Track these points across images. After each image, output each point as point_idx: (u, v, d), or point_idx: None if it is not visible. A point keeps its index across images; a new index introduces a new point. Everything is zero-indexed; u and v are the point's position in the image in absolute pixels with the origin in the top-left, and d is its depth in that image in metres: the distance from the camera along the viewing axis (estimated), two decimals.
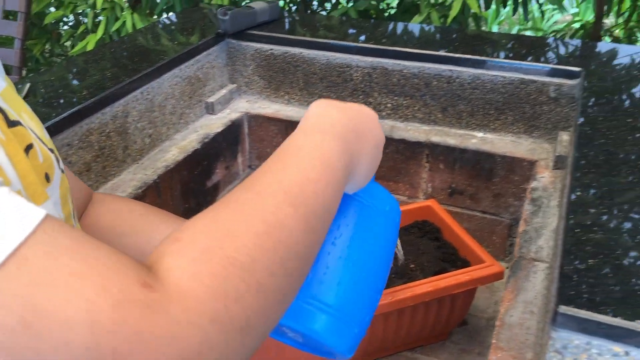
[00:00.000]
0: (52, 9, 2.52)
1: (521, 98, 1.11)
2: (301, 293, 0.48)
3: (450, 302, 0.94)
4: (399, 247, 0.92)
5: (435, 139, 1.16)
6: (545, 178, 1.01)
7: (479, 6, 1.57)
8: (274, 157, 0.42)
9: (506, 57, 1.12)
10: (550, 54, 1.15)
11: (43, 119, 0.79)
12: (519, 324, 0.71)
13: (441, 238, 1.05)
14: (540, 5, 1.83)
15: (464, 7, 1.58)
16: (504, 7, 1.75)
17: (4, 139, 0.37)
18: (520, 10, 1.78)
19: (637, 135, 0.82)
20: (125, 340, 0.27)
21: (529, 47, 1.19)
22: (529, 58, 1.11)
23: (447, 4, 1.65)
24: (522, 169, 1.10)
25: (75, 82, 1.07)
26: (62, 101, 0.98)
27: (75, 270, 0.27)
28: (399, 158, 1.20)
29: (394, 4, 2.05)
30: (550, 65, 1.08)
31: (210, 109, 1.26)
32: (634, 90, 0.98)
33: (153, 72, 1.10)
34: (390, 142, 1.19)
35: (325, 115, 0.47)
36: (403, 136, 1.18)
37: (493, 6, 1.74)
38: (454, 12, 1.51)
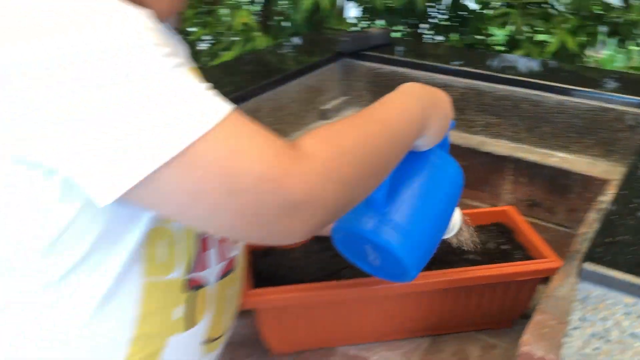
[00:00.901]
0: (194, 29, 2.90)
1: (601, 124, 1.23)
2: (388, 221, 0.67)
3: (513, 290, 1.08)
4: (466, 223, 1.06)
5: (520, 154, 1.31)
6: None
7: (576, 44, 1.69)
8: (375, 104, 0.63)
9: (590, 87, 1.25)
10: (633, 87, 1.26)
11: None
12: (564, 297, 0.84)
13: (513, 239, 1.19)
14: None
15: (563, 47, 1.70)
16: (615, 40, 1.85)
17: None
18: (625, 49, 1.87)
19: None
20: (281, 175, 0.46)
21: (613, 80, 1.31)
22: (611, 89, 1.24)
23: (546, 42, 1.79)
24: (596, 187, 1.21)
25: (218, 82, 1.33)
26: None
27: (253, 143, 0.47)
28: (485, 170, 1.35)
29: (500, 40, 2.20)
30: (630, 97, 1.20)
31: (324, 115, 1.48)
32: None
33: (282, 78, 1.34)
34: (478, 154, 1.34)
35: (411, 87, 0.67)
36: (491, 150, 1.33)
37: (607, 50, 1.84)
38: (551, 48, 1.64)
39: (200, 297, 0.66)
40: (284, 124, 1.39)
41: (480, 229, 1.22)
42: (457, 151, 1.33)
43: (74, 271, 0.55)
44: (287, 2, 2.51)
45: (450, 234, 0.97)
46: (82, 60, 0.44)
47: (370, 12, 2.31)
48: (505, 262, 1.08)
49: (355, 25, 2.40)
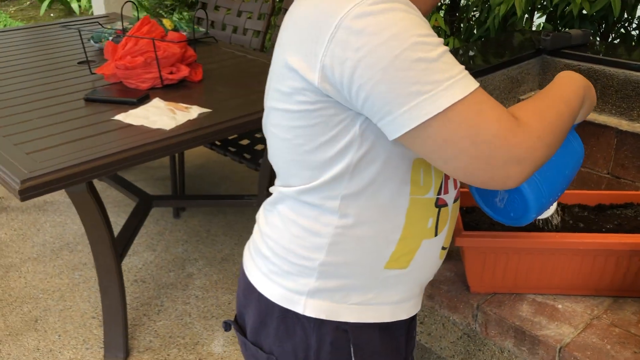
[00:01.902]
0: None
1: None
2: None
3: None
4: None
5: None
6: None
7: None
8: (555, 86, 0.82)
9: None
10: None
11: None
12: None
13: None
14: None
15: None
16: None
17: None
18: None
19: None
20: (511, 136, 0.67)
21: None
22: None
23: None
24: None
25: None
26: None
27: (493, 110, 0.68)
28: None
29: None
30: None
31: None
32: None
33: (490, 68, 1.56)
34: None
35: (572, 75, 0.86)
36: None
37: None
38: None
39: (444, 213, 0.89)
40: None
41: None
42: None
43: (367, 189, 0.80)
44: (478, 8, 2.71)
45: (545, 216, 1.13)
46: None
47: (557, 19, 2.43)
48: None
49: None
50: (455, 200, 0.91)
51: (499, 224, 1.33)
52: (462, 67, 0.70)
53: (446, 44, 2.60)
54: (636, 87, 1.53)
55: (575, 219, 1.34)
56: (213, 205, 2.78)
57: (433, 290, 1.37)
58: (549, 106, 0.76)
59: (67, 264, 2.53)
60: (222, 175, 3.28)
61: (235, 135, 2.58)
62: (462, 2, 2.84)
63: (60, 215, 2.93)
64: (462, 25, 2.88)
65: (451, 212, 0.91)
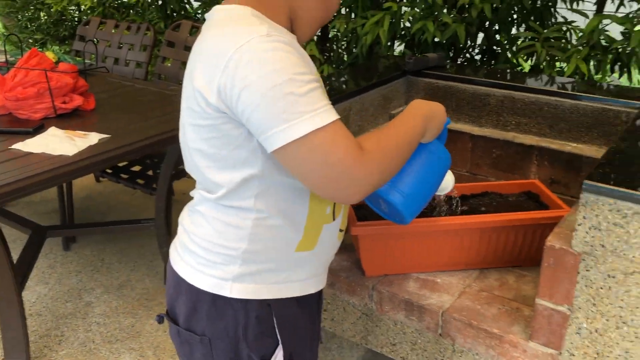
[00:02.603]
0: None
1: (605, 121, 1.68)
2: (394, 187, 1.08)
3: (538, 234, 1.51)
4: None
5: (543, 144, 1.76)
6: None
7: (589, 70, 2.14)
8: (397, 119, 0.97)
9: (596, 94, 1.70)
10: (626, 94, 1.71)
11: None
12: (573, 218, 1.28)
13: (539, 201, 1.63)
14: None
15: (577, 70, 2.16)
16: (612, 72, 2.30)
17: None
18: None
19: None
20: (353, 163, 0.83)
21: (612, 90, 1.76)
22: (610, 95, 1.69)
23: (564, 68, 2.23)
24: None
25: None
26: None
27: (343, 140, 0.85)
28: (517, 157, 1.80)
29: (526, 68, 2.66)
30: (624, 100, 1.65)
31: (392, 118, 1.95)
32: None
33: (365, 88, 1.82)
34: (511, 145, 1.80)
35: (418, 104, 1.02)
36: (521, 141, 1.78)
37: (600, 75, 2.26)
38: (567, 73, 2.10)
39: (343, 215, 1.09)
40: (364, 122, 1.86)
41: (514, 195, 1.67)
42: (494, 143, 1.80)
43: (275, 187, 0.96)
44: (346, 39, 3.02)
45: (442, 192, 1.35)
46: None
47: (414, 47, 2.80)
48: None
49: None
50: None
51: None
52: (327, 102, 0.86)
53: (321, 70, 2.87)
54: (482, 99, 1.86)
55: (446, 206, 1.61)
56: (111, 231, 2.79)
57: (334, 279, 1.57)
58: (390, 138, 0.93)
59: None
60: (109, 205, 3.27)
61: (126, 163, 2.64)
62: (331, 33, 3.13)
63: None
64: (332, 53, 3.18)
65: (342, 218, 1.09)
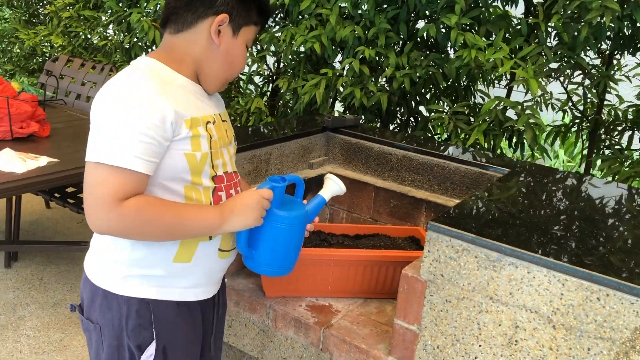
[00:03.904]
0: None
1: (480, 182, 2.00)
2: (251, 258, 1.29)
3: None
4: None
5: (431, 198, 2.07)
6: None
7: (484, 141, 2.50)
8: (191, 207, 1.16)
9: (475, 159, 2.03)
10: (498, 162, 2.04)
11: (242, 144, 1.80)
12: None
13: (419, 244, 1.92)
14: (532, 150, 2.71)
15: (477, 142, 2.51)
16: (509, 147, 2.66)
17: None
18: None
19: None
20: (101, 205, 1.05)
21: (489, 158, 2.09)
22: (487, 162, 2.02)
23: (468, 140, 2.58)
24: None
25: (253, 136, 2.11)
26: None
27: (111, 186, 1.04)
28: (409, 208, 2.11)
29: (443, 137, 3.02)
30: (497, 167, 1.98)
31: (311, 166, 2.25)
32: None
33: (287, 137, 2.12)
34: (405, 197, 2.10)
35: (224, 209, 1.19)
36: (414, 195, 2.09)
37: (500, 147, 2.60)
38: (469, 143, 2.45)
39: None
40: (284, 167, 2.15)
41: (400, 239, 1.96)
42: (393, 194, 2.10)
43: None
44: (290, 96, 3.35)
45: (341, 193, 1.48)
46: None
47: (350, 109, 3.14)
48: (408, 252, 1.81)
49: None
50: None
51: None
52: (131, 150, 1.05)
53: (266, 122, 3.18)
54: (386, 156, 2.18)
55: (339, 242, 1.89)
56: (50, 250, 2.97)
57: (238, 298, 1.82)
58: (164, 213, 1.11)
59: None
60: (55, 230, 3.45)
61: (74, 189, 2.86)
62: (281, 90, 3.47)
63: None
64: (277, 108, 3.50)
65: None
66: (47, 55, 4.74)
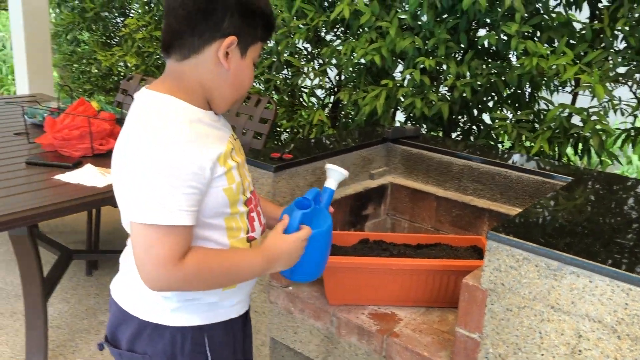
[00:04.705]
0: (283, 121, 3.82)
1: (543, 191, 1.99)
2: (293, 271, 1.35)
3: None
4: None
5: (494, 208, 2.06)
6: None
7: (549, 149, 2.46)
8: (243, 253, 1.21)
9: (539, 168, 2.02)
10: (561, 170, 2.02)
11: (303, 156, 1.87)
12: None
13: (481, 254, 1.92)
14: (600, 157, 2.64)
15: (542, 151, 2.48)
16: (576, 154, 2.61)
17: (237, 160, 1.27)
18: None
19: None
20: (162, 266, 1.05)
21: (552, 166, 2.07)
22: (549, 171, 2.00)
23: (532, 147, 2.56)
24: None
25: (315, 147, 2.18)
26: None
27: (166, 246, 1.04)
28: (471, 217, 2.11)
29: (507, 145, 3.00)
30: (560, 175, 1.95)
31: (372, 177, 2.30)
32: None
33: (348, 149, 2.17)
34: (467, 206, 2.11)
35: (268, 253, 1.22)
36: (476, 204, 2.10)
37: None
38: (533, 151, 2.42)
39: (254, 244, 1.26)
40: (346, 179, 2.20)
41: (463, 249, 1.97)
42: (455, 204, 2.11)
43: (202, 239, 1.16)
44: (351, 108, 3.41)
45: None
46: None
47: (412, 119, 3.17)
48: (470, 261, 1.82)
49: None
50: (262, 233, 1.31)
51: (348, 251, 1.88)
52: (177, 205, 1.05)
53: (328, 134, 3.25)
54: (447, 166, 2.19)
55: (401, 252, 1.92)
56: None
57: (303, 306, 1.88)
58: (219, 267, 1.14)
59: None
60: None
61: None
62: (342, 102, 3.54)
63: None
64: (338, 120, 3.57)
65: (260, 243, 1.29)
66: (122, 74, 5.03)
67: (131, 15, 5.05)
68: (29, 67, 4.57)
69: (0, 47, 9.12)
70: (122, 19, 5.22)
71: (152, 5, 4.58)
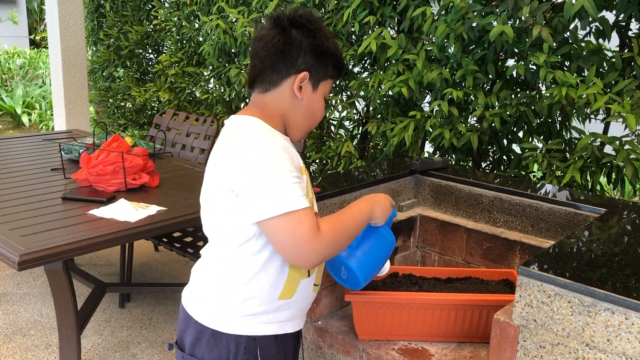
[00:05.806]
0: (312, 153, 3.85)
1: (575, 223, 1.95)
2: (354, 255, 1.42)
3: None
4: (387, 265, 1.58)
5: (525, 240, 2.03)
6: None
7: (580, 179, 2.42)
8: (350, 206, 1.33)
9: (570, 199, 1.99)
10: (592, 200, 1.98)
11: (332, 189, 1.88)
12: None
13: (513, 287, 1.89)
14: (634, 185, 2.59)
15: (573, 180, 2.44)
16: (609, 184, 2.56)
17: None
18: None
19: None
20: (309, 240, 1.17)
21: (583, 197, 2.03)
22: (580, 202, 1.97)
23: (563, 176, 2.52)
24: None
25: (343, 179, 2.19)
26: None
27: (307, 223, 1.16)
28: (502, 250, 2.08)
29: (538, 175, 2.96)
30: (591, 206, 1.92)
31: (401, 209, 2.29)
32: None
33: (376, 182, 2.17)
34: (498, 239, 2.08)
35: (369, 197, 1.39)
36: (507, 236, 2.07)
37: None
38: (565, 181, 2.39)
39: None
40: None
41: (493, 282, 1.94)
42: (485, 236, 2.09)
43: (265, 254, 1.30)
44: (379, 139, 3.42)
45: (382, 273, 1.59)
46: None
47: (440, 150, 3.16)
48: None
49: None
50: None
51: (377, 285, 1.87)
52: (298, 192, 1.19)
53: (355, 165, 3.26)
54: (477, 197, 2.17)
55: (431, 286, 1.90)
56: (160, 291, 3.18)
57: (332, 340, 1.87)
58: (341, 222, 1.27)
59: (20, 346, 2.83)
60: (163, 272, 3.69)
61: (180, 234, 3.06)
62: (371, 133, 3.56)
63: (12, 304, 3.23)
64: (367, 151, 3.58)
65: None
66: (156, 109, 5.15)
67: (164, 52, 5.20)
68: (66, 103, 4.72)
69: (40, 83, 9.46)
70: (155, 55, 5.38)
71: (184, 42, 4.72)
